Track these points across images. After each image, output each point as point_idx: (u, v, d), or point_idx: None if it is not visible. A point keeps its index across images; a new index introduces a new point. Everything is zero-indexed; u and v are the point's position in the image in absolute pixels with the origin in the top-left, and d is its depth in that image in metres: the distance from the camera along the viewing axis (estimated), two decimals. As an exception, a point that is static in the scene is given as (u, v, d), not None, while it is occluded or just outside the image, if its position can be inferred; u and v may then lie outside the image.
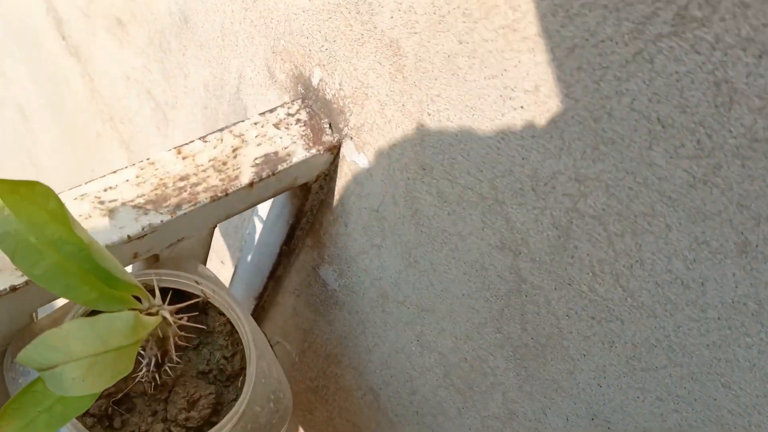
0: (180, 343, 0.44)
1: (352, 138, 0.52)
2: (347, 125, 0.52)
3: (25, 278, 0.42)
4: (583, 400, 0.44)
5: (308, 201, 0.61)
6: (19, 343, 0.47)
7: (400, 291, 0.56)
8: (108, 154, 1.05)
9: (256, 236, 0.71)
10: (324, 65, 0.51)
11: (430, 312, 0.53)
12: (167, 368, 0.46)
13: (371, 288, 0.59)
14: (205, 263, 0.62)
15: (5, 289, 0.42)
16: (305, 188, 0.59)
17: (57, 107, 1.17)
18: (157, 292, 0.42)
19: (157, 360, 0.44)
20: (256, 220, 0.69)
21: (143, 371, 0.47)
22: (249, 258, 0.73)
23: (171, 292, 0.49)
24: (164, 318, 0.40)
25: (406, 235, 0.51)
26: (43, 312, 0.49)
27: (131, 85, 0.87)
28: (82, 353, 0.35)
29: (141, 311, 0.40)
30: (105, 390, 0.48)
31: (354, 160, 0.53)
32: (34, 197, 0.37)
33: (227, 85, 0.66)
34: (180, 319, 0.43)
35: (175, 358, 0.43)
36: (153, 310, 0.40)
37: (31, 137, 1.44)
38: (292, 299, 0.74)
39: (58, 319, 0.48)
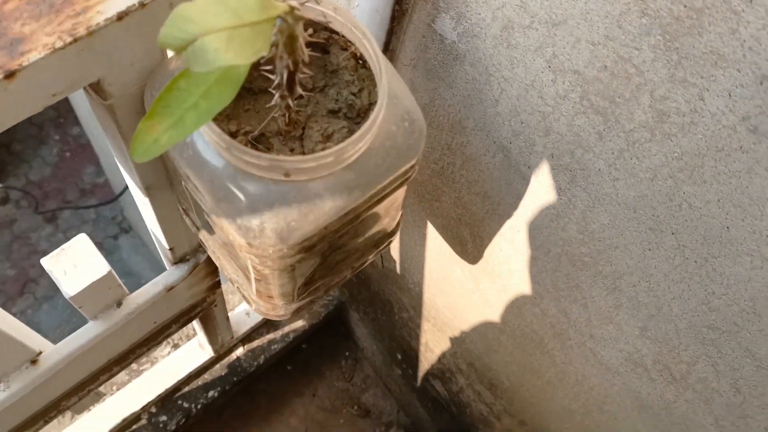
0: (306, 71, 0.43)
1: None
2: None
3: (150, -4, 0.42)
4: (749, 63, 0.40)
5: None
6: (154, 82, 0.47)
7: (526, 12, 0.52)
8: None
9: (367, 5, 0.68)
10: None
11: (562, 24, 0.50)
12: (301, 92, 0.46)
13: (493, 22, 0.56)
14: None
15: (133, 5, 0.41)
16: None
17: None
18: (281, -14, 0.40)
19: (289, 72, 0.43)
20: (364, -16, 0.66)
21: (276, 100, 0.46)
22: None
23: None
24: (291, 8, 0.39)
25: (532, -67, 0.47)
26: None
27: None
28: (219, 25, 0.34)
29: None
30: (241, 127, 0.49)
31: None
32: None
33: None
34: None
35: (306, 60, 0.42)
36: None
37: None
38: (409, 72, 0.72)
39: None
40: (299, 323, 1.44)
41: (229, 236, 0.48)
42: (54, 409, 0.91)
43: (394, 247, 1.06)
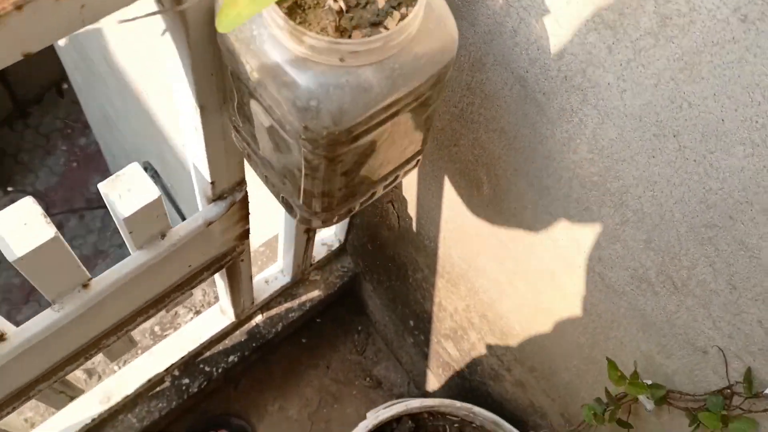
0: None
1: None
2: None
3: None
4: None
5: None
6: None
7: (545, -59, 0.59)
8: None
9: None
10: None
11: (577, -52, 0.57)
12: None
13: (514, -43, 0.63)
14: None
15: None
16: None
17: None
18: None
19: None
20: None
21: (329, 3, 0.53)
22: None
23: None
24: None
25: None
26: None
27: None
28: None
29: None
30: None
31: None
32: None
33: None
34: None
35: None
36: None
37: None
38: (433, 18, 0.79)
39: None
40: (315, 293, 1.50)
41: (286, 126, 0.55)
42: (95, 347, 0.97)
43: (411, 204, 1.13)
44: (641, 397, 0.80)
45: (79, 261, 0.79)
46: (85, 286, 0.82)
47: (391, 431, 1.20)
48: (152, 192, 0.77)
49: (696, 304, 0.70)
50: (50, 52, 3.91)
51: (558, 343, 0.97)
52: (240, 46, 0.53)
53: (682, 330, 0.73)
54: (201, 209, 0.90)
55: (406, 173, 0.72)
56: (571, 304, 0.89)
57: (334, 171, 0.59)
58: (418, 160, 0.72)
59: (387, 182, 0.70)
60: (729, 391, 0.70)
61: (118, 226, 0.82)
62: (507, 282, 1.00)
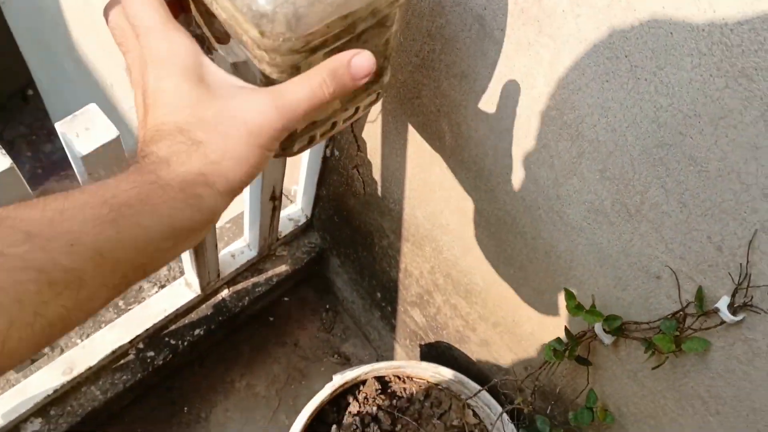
0: None
1: None
2: None
3: None
4: None
5: None
6: None
7: None
8: None
9: None
10: None
11: None
12: None
13: None
14: None
15: None
16: None
17: None
18: None
19: None
20: None
21: None
22: None
23: None
24: None
25: None
26: None
27: None
28: None
29: None
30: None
31: None
32: None
33: None
34: None
35: None
36: None
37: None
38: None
39: None
40: (282, 268, 1.50)
41: (243, 37, 0.56)
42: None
43: (376, 168, 1.14)
44: (599, 332, 0.81)
45: (34, 196, 0.78)
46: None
47: (357, 393, 1.21)
48: (111, 131, 0.77)
49: (649, 228, 0.71)
50: (15, 58, 3.85)
51: (520, 292, 0.99)
52: (198, -46, 0.54)
53: (636, 258, 0.75)
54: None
55: (366, 107, 0.73)
56: (532, 249, 0.90)
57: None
58: (379, 93, 0.73)
59: (347, 115, 0.71)
60: (682, 313, 0.71)
61: (74, 168, 0.81)
62: (470, 236, 1.01)
